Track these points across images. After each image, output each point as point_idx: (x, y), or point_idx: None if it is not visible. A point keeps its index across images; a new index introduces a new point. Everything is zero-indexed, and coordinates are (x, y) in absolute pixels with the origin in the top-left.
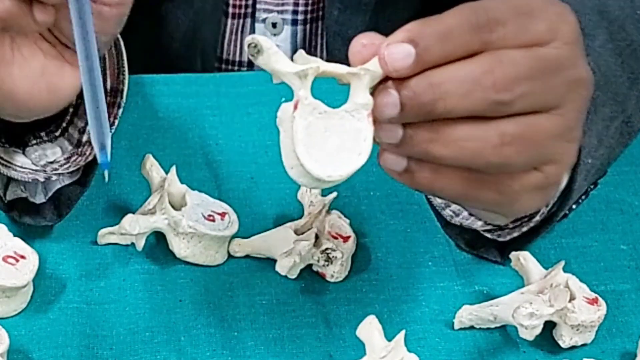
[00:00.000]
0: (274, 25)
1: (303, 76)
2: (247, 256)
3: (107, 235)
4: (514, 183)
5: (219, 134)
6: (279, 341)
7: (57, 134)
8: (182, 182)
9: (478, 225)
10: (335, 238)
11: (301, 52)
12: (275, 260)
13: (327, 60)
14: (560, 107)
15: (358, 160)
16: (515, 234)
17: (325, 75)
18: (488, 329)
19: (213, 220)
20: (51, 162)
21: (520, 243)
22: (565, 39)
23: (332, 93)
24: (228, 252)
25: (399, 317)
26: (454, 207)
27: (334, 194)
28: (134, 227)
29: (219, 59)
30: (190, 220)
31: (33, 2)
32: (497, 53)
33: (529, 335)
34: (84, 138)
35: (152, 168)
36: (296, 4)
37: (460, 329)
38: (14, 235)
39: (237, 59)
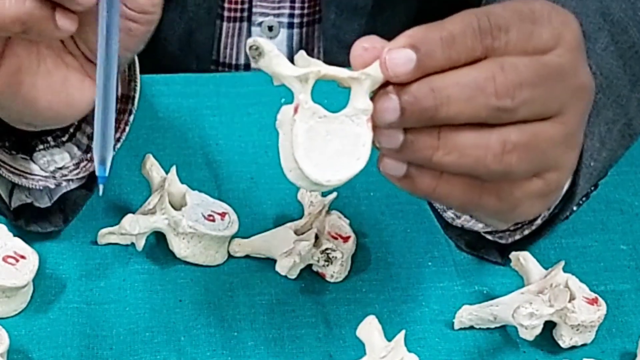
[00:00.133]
0: (270, 28)
1: (304, 80)
2: (247, 256)
3: (107, 235)
4: (515, 190)
5: (219, 134)
6: (279, 341)
7: (64, 139)
8: (182, 182)
9: (479, 227)
10: (335, 238)
11: (302, 54)
12: (275, 260)
13: (325, 64)
14: (562, 114)
15: (357, 165)
16: (517, 237)
17: (326, 78)
18: (488, 329)
19: (213, 220)
20: (60, 168)
21: (522, 245)
22: (568, 47)
23: (332, 94)
24: (228, 252)
25: (399, 317)
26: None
27: (334, 195)
28: (134, 227)
29: (215, 62)
30: (190, 220)
31: (56, 7)
32: (499, 60)
33: (529, 335)
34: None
35: (152, 168)
36: (292, 8)
37: (460, 329)
38: (14, 235)
39: (234, 62)
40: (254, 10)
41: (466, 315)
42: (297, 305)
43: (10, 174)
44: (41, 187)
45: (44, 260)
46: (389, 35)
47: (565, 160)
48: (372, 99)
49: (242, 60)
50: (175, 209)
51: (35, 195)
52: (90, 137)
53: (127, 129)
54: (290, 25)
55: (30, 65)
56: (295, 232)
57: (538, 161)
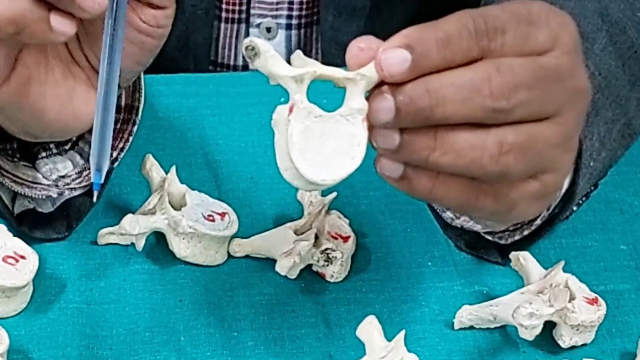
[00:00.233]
0: (268, 30)
1: (299, 80)
2: (247, 256)
3: (107, 235)
4: (512, 192)
5: (219, 134)
6: (278, 341)
7: (66, 147)
8: (182, 182)
9: (478, 227)
10: (335, 238)
11: (298, 53)
12: (275, 260)
13: (321, 64)
14: (559, 116)
15: (352, 165)
16: (517, 237)
17: (322, 78)
18: (488, 329)
19: (213, 220)
20: (63, 177)
21: (521, 245)
22: (565, 49)
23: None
24: (228, 252)
25: (399, 317)
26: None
27: (334, 194)
28: (134, 227)
29: (213, 63)
30: (190, 220)
31: (52, 10)
32: (496, 61)
33: (529, 335)
34: None
35: (152, 168)
36: (290, 9)
37: (460, 329)
38: (14, 236)
39: (232, 63)
40: (251, 11)
41: (466, 315)
42: (297, 305)
43: (13, 183)
44: (43, 197)
45: (44, 260)
46: (386, 37)
47: (562, 162)
48: (367, 98)
49: (240, 62)
50: (175, 209)
51: (37, 201)
52: None
53: (131, 139)
54: (289, 27)
55: (39, 75)
56: (295, 232)
57: (534, 162)
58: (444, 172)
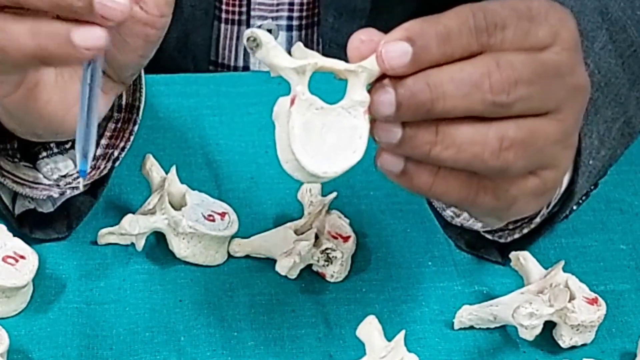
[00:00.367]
0: (269, 31)
1: (301, 72)
2: (247, 256)
3: (107, 235)
4: (511, 188)
5: (219, 134)
6: (278, 341)
7: (67, 146)
8: (182, 182)
9: (478, 226)
10: (335, 238)
11: (299, 45)
12: (275, 260)
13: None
14: (559, 112)
15: (353, 157)
16: (516, 236)
17: (323, 70)
18: (488, 329)
19: (213, 220)
20: (64, 176)
21: (521, 244)
22: (565, 45)
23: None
24: (228, 252)
25: (399, 317)
26: (455, 207)
27: (334, 194)
28: (134, 227)
29: (214, 63)
30: (190, 220)
31: (75, 25)
32: (495, 56)
33: (529, 335)
34: (98, 152)
35: (152, 168)
36: (291, 10)
37: (460, 329)
38: (14, 236)
39: (232, 63)
40: (252, 13)
41: (466, 315)
42: (297, 305)
43: (14, 184)
44: (44, 197)
45: (44, 260)
46: None
47: (561, 158)
48: (369, 91)
49: (240, 62)
50: (175, 209)
51: (38, 201)
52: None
53: (132, 138)
54: (289, 28)
55: (48, 79)
56: (295, 232)
57: (535, 158)
58: (444, 168)
